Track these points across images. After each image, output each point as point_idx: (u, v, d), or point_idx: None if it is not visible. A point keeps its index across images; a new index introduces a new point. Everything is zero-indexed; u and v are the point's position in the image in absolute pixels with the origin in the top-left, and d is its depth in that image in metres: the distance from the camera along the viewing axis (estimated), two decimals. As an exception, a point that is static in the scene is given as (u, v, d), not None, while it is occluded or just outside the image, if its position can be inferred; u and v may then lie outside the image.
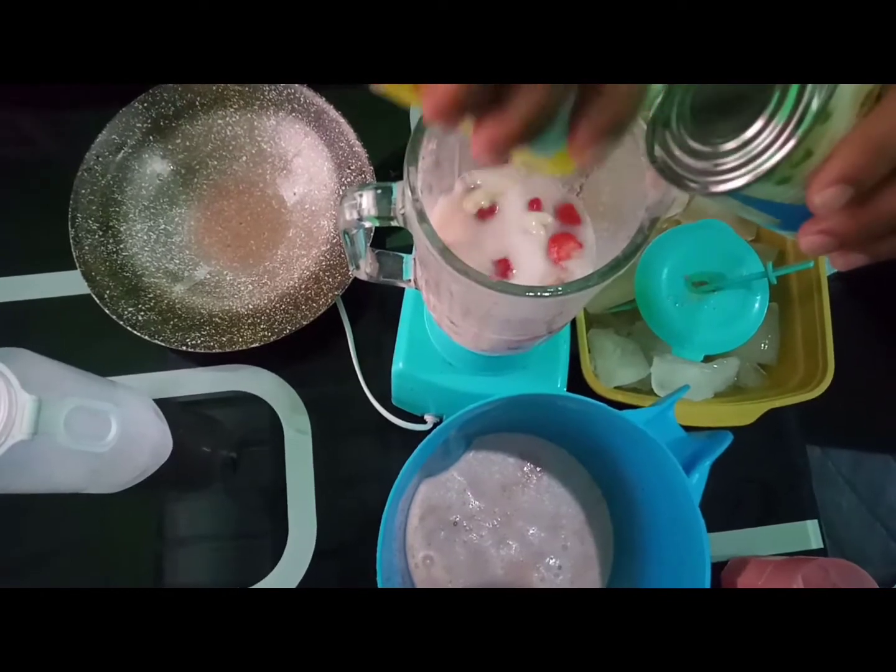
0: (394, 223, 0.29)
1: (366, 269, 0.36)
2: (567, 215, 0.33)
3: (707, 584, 0.34)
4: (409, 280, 0.37)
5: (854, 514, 0.73)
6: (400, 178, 0.27)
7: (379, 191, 0.29)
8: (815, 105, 0.21)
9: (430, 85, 0.18)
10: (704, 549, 0.34)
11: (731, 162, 0.23)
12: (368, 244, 0.35)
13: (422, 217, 0.27)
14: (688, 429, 0.41)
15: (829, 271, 0.55)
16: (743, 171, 0.23)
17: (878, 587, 0.45)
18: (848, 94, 0.21)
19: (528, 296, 0.26)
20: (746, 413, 0.49)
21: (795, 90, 0.21)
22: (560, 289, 0.26)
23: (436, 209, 0.33)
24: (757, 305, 0.50)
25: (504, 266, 0.32)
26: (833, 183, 0.21)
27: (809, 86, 0.21)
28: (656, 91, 0.22)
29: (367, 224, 0.30)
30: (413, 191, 0.26)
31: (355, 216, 0.29)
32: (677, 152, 0.26)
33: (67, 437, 0.35)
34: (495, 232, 0.32)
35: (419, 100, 0.20)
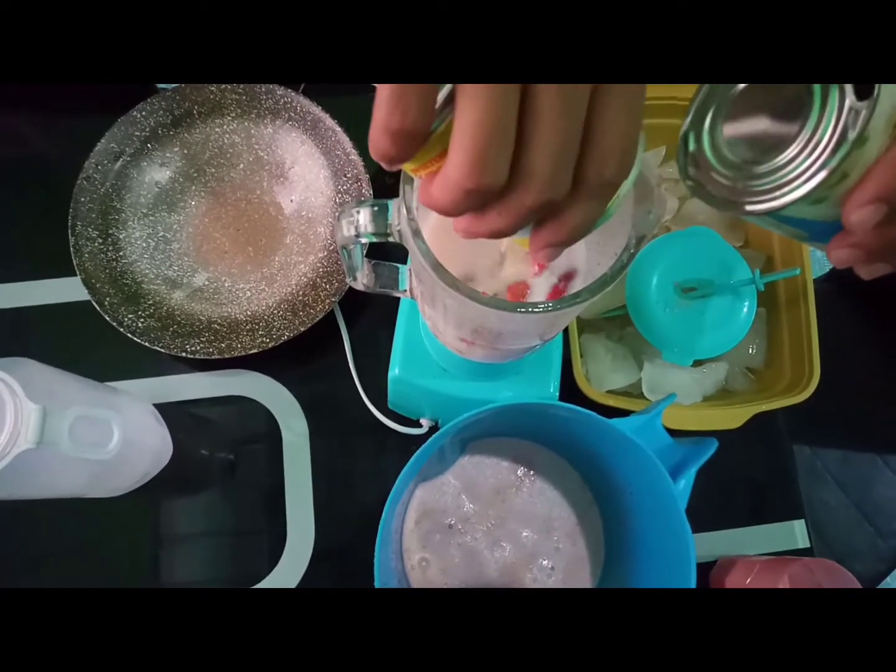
0: (390, 239, 0.30)
1: (362, 280, 0.37)
2: None
3: (693, 586, 0.35)
4: (405, 291, 0.38)
5: (842, 510, 0.74)
6: (396, 184, 0.28)
7: (375, 208, 0.30)
8: (851, 134, 0.22)
9: (437, 187, 0.20)
10: (690, 552, 0.35)
11: (765, 183, 0.24)
12: (364, 256, 0.36)
13: (416, 235, 0.27)
14: (677, 432, 0.42)
15: (816, 275, 0.56)
16: (778, 192, 0.24)
17: (859, 586, 0.46)
18: (882, 118, 0.22)
19: (520, 312, 0.27)
20: (735, 417, 0.50)
21: (832, 118, 0.22)
22: (550, 305, 0.27)
23: (430, 220, 0.34)
24: (745, 311, 0.51)
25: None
26: (869, 203, 0.23)
27: (845, 112, 0.22)
28: (608, 218, 0.23)
29: (364, 240, 0.31)
30: (409, 210, 0.27)
31: (353, 232, 0.30)
32: (710, 172, 0.26)
33: (71, 445, 0.36)
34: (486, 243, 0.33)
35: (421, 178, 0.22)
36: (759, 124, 0.25)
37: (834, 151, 0.22)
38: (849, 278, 0.74)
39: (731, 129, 0.26)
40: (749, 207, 0.25)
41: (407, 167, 0.22)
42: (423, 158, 0.21)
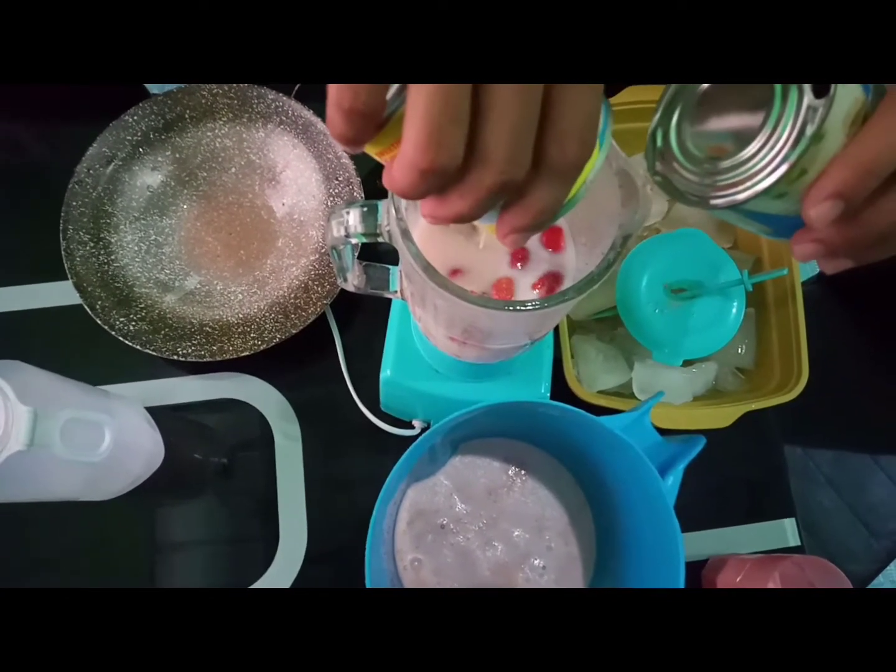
0: (380, 239, 0.31)
1: (353, 281, 0.38)
2: (551, 239, 0.34)
3: (681, 581, 0.35)
4: (396, 292, 0.38)
5: (836, 512, 0.75)
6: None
7: (365, 209, 0.30)
8: (809, 130, 0.23)
9: (394, 169, 0.20)
10: (679, 548, 0.36)
11: (729, 178, 0.25)
12: (355, 257, 0.37)
13: (405, 235, 0.28)
14: (667, 432, 0.42)
15: (805, 276, 0.56)
16: (741, 187, 0.25)
17: (848, 583, 0.46)
18: (839, 116, 0.23)
19: (508, 310, 0.27)
20: (724, 416, 0.50)
21: (791, 115, 0.23)
22: (538, 303, 0.27)
23: (419, 221, 0.34)
24: (734, 311, 0.51)
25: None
26: (827, 199, 0.24)
27: (804, 109, 0.23)
28: (574, 203, 0.23)
29: (354, 241, 0.31)
30: (397, 210, 0.28)
31: (343, 233, 0.31)
32: (676, 166, 0.27)
33: (63, 448, 0.36)
34: (467, 241, 0.34)
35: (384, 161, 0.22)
36: (724, 121, 0.26)
37: (793, 147, 0.23)
38: (838, 281, 0.75)
39: (696, 126, 0.27)
40: (713, 202, 0.25)
41: (371, 151, 0.22)
42: (386, 142, 0.21)
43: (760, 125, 0.24)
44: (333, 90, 0.19)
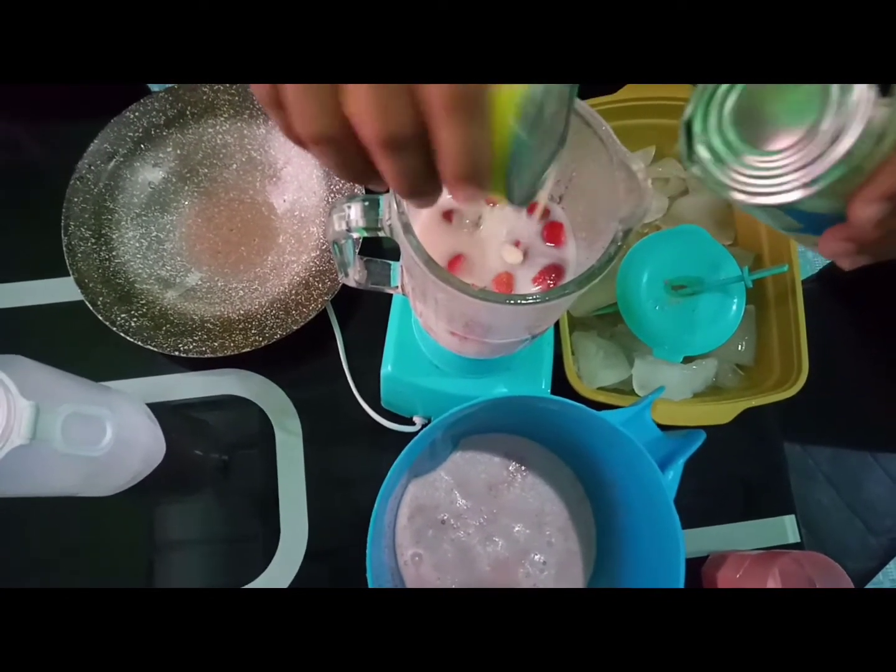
0: (381, 234, 0.31)
1: (354, 276, 0.38)
2: (552, 233, 0.34)
3: (681, 576, 0.35)
4: (397, 287, 0.38)
5: (833, 508, 0.75)
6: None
7: (367, 203, 0.30)
8: (871, 129, 0.21)
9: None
10: (679, 543, 0.36)
11: (776, 177, 0.24)
12: (357, 252, 0.37)
13: (407, 229, 0.28)
14: (667, 428, 0.42)
15: (805, 274, 0.56)
16: (789, 186, 0.23)
17: (847, 579, 0.46)
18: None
19: (509, 304, 0.27)
20: (724, 412, 0.50)
21: (855, 113, 0.22)
22: (538, 297, 0.27)
23: (420, 216, 0.35)
24: (734, 308, 0.52)
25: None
26: (880, 199, 0.23)
27: (867, 107, 0.21)
28: (523, 145, 0.21)
29: (356, 235, 0.31)
30: (399, 204, 0.28)
31: (344, 227, 0.31)
32: (718, 161, 0.26)
33: (64, 442, 0.36)
34: (468, 236, 0.34)
35: None
36: (774, 116, 0.24)
37: (855, 146, 0.22)
38: (837, 279, 0.75)
39: (742, 118, 0.25)
40: (755, 200, 0.24)
41: None
42: None
43: (816, 121, 0.22)
44: (254, 89, 0.22)
